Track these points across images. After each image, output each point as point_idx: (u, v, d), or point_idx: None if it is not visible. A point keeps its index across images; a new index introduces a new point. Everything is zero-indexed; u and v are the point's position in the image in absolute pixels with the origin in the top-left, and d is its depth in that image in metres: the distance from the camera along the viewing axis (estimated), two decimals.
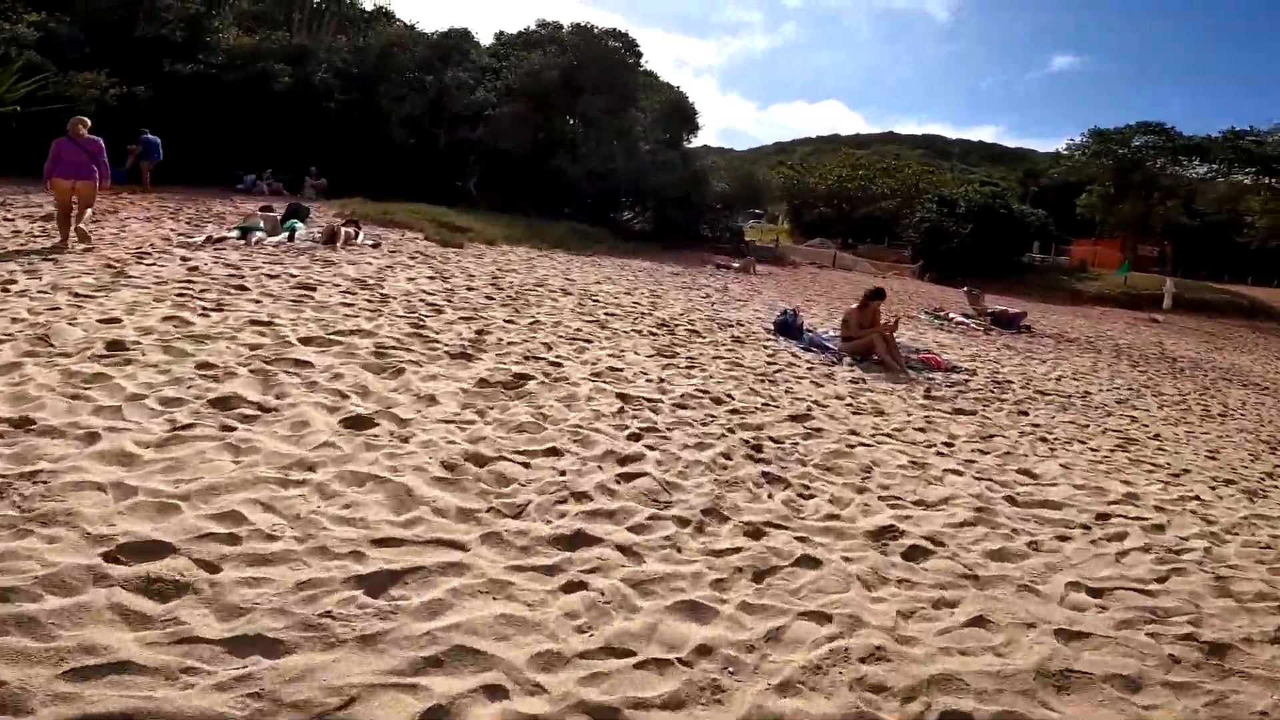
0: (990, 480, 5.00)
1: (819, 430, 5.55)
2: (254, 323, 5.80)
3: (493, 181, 26.50)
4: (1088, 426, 7.46)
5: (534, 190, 27.70)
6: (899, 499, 4.37)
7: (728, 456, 4.58)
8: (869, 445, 5.38)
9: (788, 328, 10.02)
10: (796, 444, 5.10)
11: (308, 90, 20.12)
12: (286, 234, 10.82)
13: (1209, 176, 38.60)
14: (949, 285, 31.44)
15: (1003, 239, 32.98)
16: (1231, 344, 22.12)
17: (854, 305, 9.80)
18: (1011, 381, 9.37)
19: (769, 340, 9.45)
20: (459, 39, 26.71)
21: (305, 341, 5.50)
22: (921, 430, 6.11)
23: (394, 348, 5.68)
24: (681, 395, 5.81)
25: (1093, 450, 6.45)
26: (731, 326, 10.18)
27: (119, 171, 13.18)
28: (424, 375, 5.16)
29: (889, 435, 5.79)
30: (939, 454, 5.47)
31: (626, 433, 4.67)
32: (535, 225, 17.44)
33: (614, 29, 26.64)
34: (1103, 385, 10.46)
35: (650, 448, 4.46)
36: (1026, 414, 7.56)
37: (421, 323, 6.70)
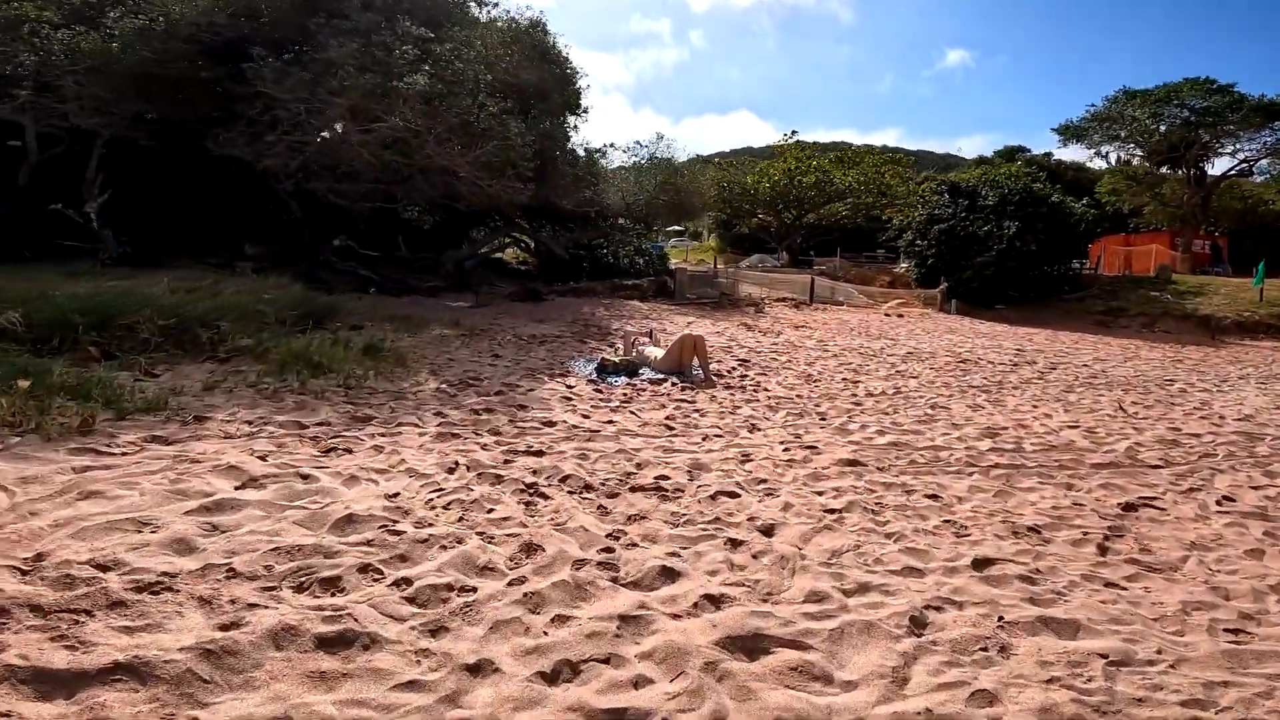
0: None
1: None
2: None
3: (152, 200, 13.10)
4: None
5: (269, 213, 14.43)
6: None
7: None
8: None
9: None
10: None
11: None
12: None
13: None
14: (992, 319, 19.78)
15: (1055, 244, 21.62)
16: None
17: None
18: None
19: None
20: None
21: None
22: None
23: None
24: None
25: None
26: None
27: None
28: None
29: None
30: None
31: None
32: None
33: None
34: None
35: None
36: None
37: None
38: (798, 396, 6.95)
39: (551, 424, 4.94)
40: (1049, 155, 55.87)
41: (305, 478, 3.48)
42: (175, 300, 5.79)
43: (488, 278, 18.54)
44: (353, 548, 2.89)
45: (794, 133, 43.01)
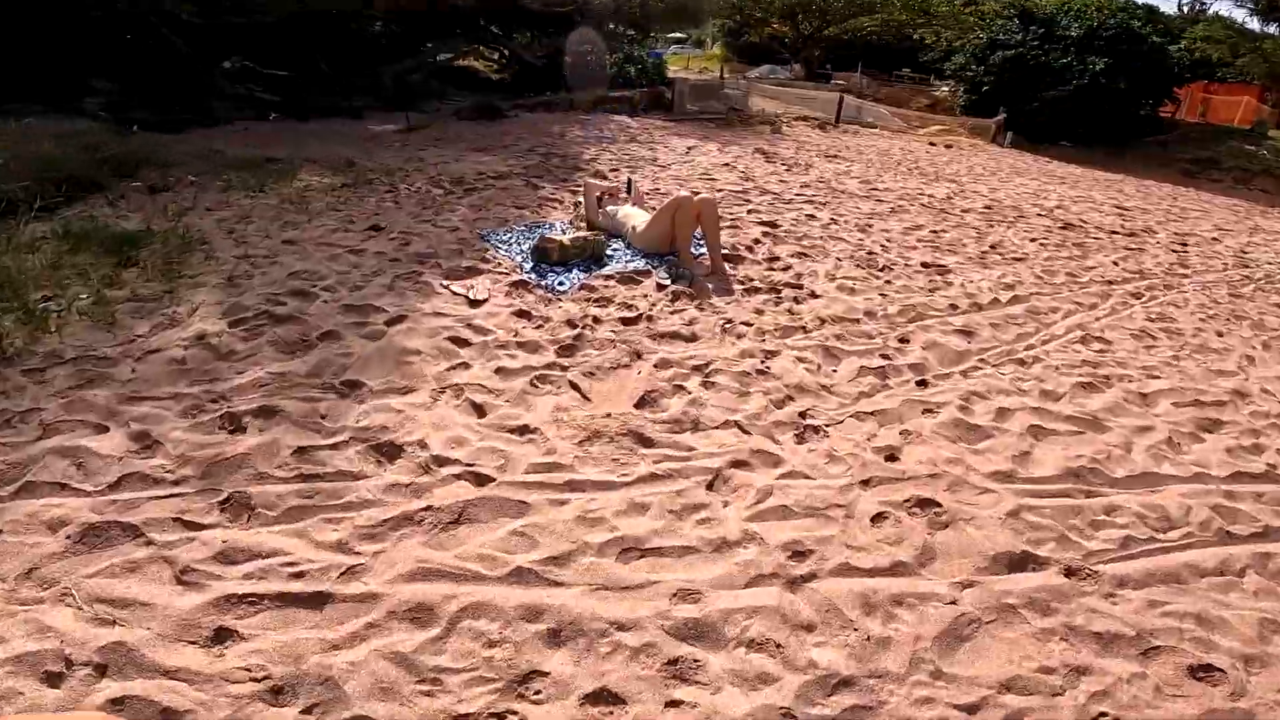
0: None
1: None
2: None
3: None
4: None
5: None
6: None
7: None
8: None
9: None
10: None
11: None
12: None
13: None
14: (1055, 157, 16.44)
15: (1147, 85, 17.96)
16: None
17: None
18: None
19: None
20: None
21: None
22: None
23: None
24: None
25: None
26: None
27: None
28: None
29: None
30: None
31: None
32: None
33: None
34: None
35: None
36: None
37: None
38: (866, 315, 4.28)
39: (394, 454, 2.33)
40: None
41: None
42: None
43: (445, 91, 14.93)
44: None
45: None
